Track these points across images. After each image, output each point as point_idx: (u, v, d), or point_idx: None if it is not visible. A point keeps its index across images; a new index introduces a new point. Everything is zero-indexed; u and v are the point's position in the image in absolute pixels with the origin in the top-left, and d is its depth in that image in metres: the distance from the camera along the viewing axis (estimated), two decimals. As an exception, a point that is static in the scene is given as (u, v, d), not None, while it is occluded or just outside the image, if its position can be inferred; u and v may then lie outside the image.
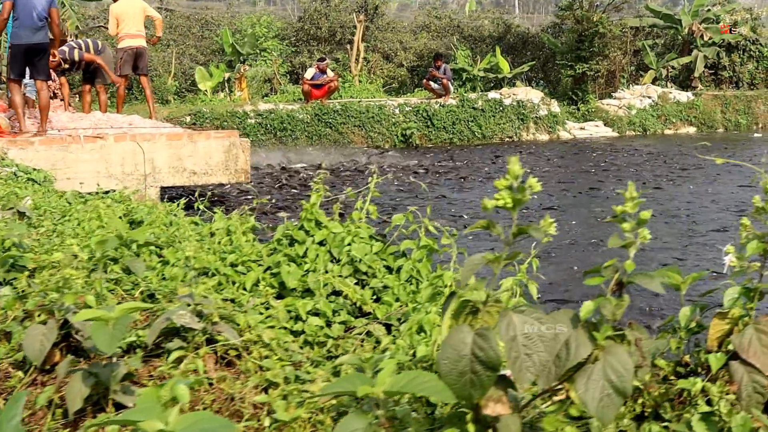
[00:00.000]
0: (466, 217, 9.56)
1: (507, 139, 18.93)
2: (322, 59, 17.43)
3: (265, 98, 19.18)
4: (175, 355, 2.39)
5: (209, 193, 5.30)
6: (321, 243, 3.64)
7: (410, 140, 17.58)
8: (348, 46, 20.88)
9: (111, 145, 9.02)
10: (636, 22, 22.90)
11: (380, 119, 17.57)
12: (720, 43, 23.13)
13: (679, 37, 23.60)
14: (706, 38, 22.73)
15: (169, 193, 10.38)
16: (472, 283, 1.64)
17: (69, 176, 8.64)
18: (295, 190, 11.22)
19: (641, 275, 1.66)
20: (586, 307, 1.59)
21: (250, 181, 10.22)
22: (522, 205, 1.60)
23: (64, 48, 10.83)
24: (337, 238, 3.63)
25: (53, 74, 10.78)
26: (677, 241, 8.43)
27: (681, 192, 11.59)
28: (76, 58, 10.89)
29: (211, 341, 2.48)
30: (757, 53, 23.38)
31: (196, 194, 5.27)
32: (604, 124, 20.46)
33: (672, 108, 21.28)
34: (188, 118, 16.05)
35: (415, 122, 17.84)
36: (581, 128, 20.07)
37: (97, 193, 5.99)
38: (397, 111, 17.88)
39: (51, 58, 9.43)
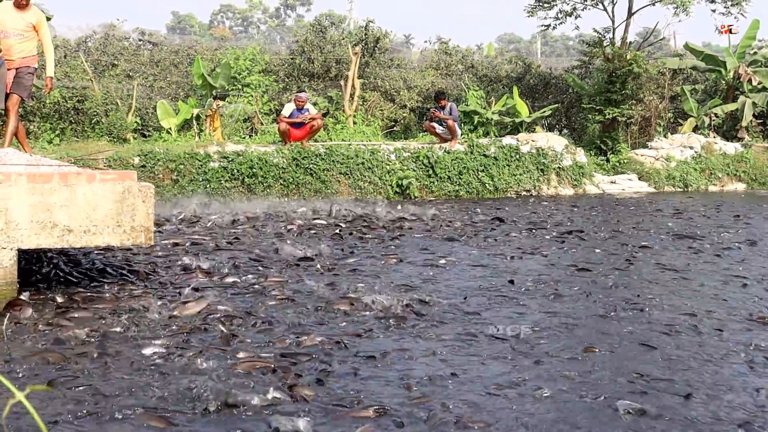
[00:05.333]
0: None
1: (524, 192, 15.98)
2: (300, 91, 14.69)
3: (244, 139, 16.44)
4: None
5: None
6: None
7: (407, 191, 14.69)
8: (342, 83, 18.16)
9: (-61, 189, 6.19)
10: (676, 63, 19.99)
11: (372, 166, 14.71)
12: (771, 89, 20.19)
13: (723, 81, 20.70)
14: (755, 83, 19.80)
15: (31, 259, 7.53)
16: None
17: None
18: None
19: None
20: None
21: (155, 245, 7.31)
22: None
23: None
24: None
25: None
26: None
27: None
28: None
29: None
30: (815, 101, 20.37)
31: None
32: (639, 178, 17.48)
33: (718, 161, 18.29)
34: (137, 160, 13.27)
35: (414, 170, 14.97)
36: (612, 182, 17.09)
37: None
38: (392, 157, 15.03)
39: None
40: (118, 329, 5.30)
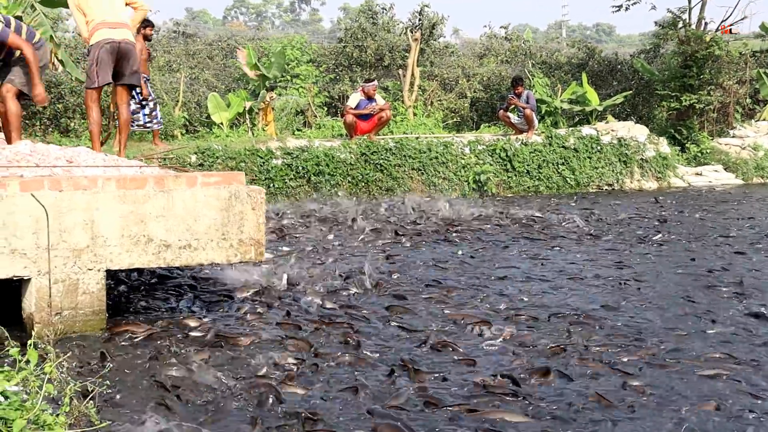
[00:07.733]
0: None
1: (606, 187, 14.69)
2: (369, 80, 13.42)
3: (303, 133, 15.19)
4: None
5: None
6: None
7: (485, 188, 13.44)
8: (399, 72, 16.89)
9: (14, 198, 4.97)
10: (758, 44, 18.55)
11: (446, 161, 13.45)
12: None
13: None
14: (836, 65, 18.40)
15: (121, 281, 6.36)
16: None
17: None
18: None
19: None
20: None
21: (264, 260, 6.04)
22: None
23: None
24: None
25: None
26: None
27: None
28: None
29: None
30: None
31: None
32: (725, 169, 16.14)
33: (808, 149, 16.92)
34: (194, 158, 12.06)
35: (491, 164, 13.71)
36: (697, 174, 15.77)
37: None
38: (467, 150, 13.76)
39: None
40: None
